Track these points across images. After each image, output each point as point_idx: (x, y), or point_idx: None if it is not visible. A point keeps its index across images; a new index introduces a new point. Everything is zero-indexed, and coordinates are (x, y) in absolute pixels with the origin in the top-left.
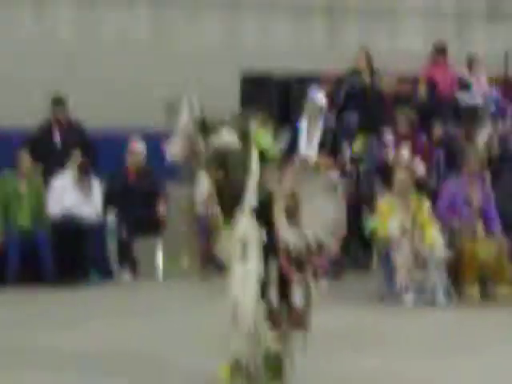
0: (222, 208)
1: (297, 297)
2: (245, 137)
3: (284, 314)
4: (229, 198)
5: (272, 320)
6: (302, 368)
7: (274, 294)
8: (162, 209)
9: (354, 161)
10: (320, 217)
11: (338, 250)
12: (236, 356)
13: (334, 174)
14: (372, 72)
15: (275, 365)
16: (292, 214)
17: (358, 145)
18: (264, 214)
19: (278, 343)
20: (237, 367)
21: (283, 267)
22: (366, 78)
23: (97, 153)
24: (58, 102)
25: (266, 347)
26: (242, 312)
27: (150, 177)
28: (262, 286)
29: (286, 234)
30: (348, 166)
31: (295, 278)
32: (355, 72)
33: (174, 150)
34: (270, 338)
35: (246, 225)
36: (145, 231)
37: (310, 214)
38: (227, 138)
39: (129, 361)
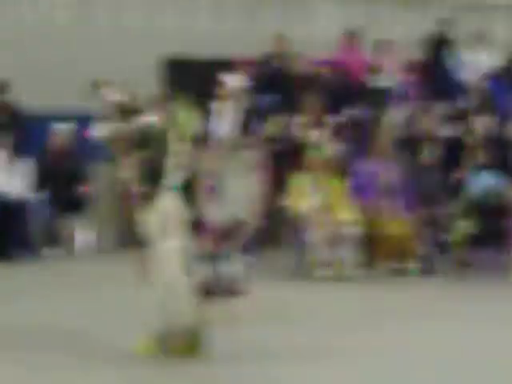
0: (145, 186)
1: (224, 268)
2: (167, 117)
3: (213, 286)
4: (151, 176)
5: (200, 293)
6: (225, 340)
7: (202, 267)
8: (83, 188)
9: (270, 141)
10: (239, 193)
11: (257, 224)
12: (156, 330)
13: (254, 154)
14: (286, 56)
15: (193, 338)
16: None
17: (272, 126)
18: (188, 192)
19: (199, 316)
20: (156, 340)
21: (210, 241)
22: (281, 62)
23: (28, 134)
24: (1, 87)
25: (186, 321)
26: (167, 287)
27: (72, 157)
28: (187, 261)
29: (209, 210)
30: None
31: (222, 250)
32: (270, 56)
33: (98, 130)
34: (191, 312)
35: (167, 202)
36: (67, 210)
37: (229, 191)
38: (149, 118)
39: (60, 337)
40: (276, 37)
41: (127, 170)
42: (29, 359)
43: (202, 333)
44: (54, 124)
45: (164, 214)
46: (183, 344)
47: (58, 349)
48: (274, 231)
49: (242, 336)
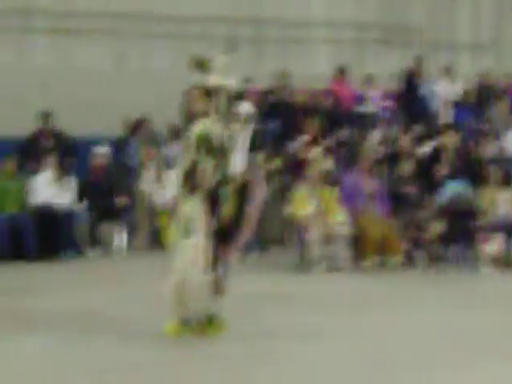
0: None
1: (220, 269)
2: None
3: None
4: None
5: (214, 286)
6: (233, 323)
7: (215, 265)
8: (121, 200)
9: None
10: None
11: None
12: (182, 315)
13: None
14: (287, 88)
15: (213, 320)
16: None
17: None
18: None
19: (215, 304)
20: (183, 324)
21: (220, 246)
22: (284, 94)
23: (75, 155)
24: (46, 116)
25: (207, 308)
26: (189, 280)
27: (109, 174)
28: (207, 259)
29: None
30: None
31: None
32: (273, 89)
33: None
34: (210, 301)
35: (195, 206)
36: (107, 217)
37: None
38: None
39: (102, 321)
40: (279, 73)
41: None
42: (75, 339)
43: (216, 316)
44: (94, 147)
45: (190, 214)
46: (203, 326)
47: (100, 331)
48: (280, 233)
49: (250, 319)
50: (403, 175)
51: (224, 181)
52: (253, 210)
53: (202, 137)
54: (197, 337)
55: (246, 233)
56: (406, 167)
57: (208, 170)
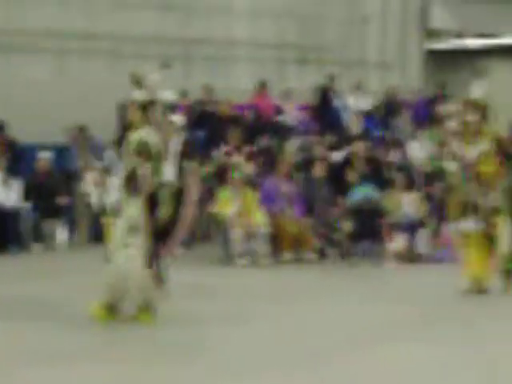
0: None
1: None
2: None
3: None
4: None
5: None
6: (164, 310)
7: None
8: (62, 200)
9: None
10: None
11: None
12: (110, 301)
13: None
14: (212, 102)
15: (148, 310)
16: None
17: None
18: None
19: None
20: (109, 309)
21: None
22: (209, 106)
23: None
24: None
25: (144, 298)
26: (128, 273)
27: (52, 177)
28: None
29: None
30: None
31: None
32: (201, 102)
33: None
34: (148, 292)
35: (137, 207)
36: (51, 215)
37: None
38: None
39: (46, 309)
40: (204, 87)
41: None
42: (23, 326)
43: (149, 303)
44: (39, 153)
45: (132, 216)
46: (133, 312)
47: (45, 318)
48: (206, 231)
49: (181, 307)
50: (316, 179)
51: (160, 185)
52: (188, 212)
53: (141, 144)
54: (127, 323)
55: (182, 231)
56: (319, 172)
57: (147, 174)
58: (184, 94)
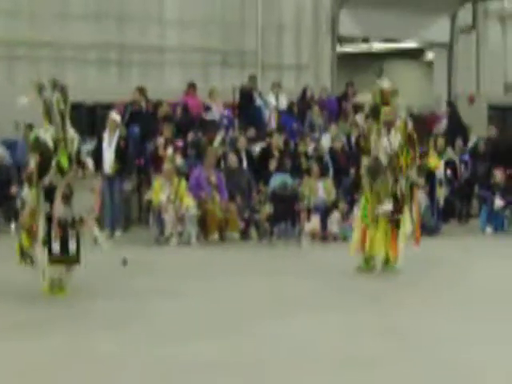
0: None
1: (70, 245)
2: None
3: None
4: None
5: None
6: (108, 285)
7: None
8: (13, 189)
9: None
10: (81, 202)
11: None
12: (49, 279)
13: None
14: (146, 100)
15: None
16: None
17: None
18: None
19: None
20: (50, 285)
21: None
22: (142, 105)
23: None
24: None
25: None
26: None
27: (6, 169)
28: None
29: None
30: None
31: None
32: (134, 101)
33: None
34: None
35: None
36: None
37: (76, 200)
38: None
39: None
40: (137, 89)
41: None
42: None
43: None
44: None
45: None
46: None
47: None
48: (143, 215)
49: (121, 282)
50: (234, 169)
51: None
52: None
53: (36, 141)
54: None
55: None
56: (234, 163)
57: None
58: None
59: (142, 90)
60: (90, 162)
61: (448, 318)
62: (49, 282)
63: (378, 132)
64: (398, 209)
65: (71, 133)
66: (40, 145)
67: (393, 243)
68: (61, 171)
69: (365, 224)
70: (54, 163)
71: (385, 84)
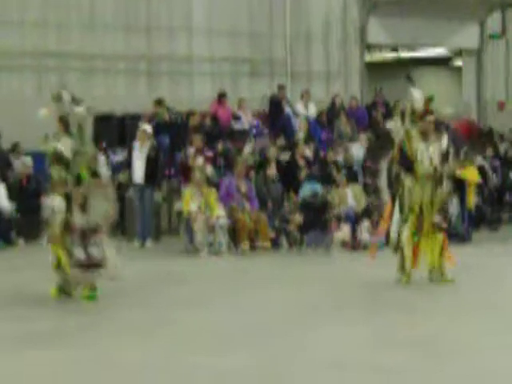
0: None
1: (94, 251)
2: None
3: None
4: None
5: (80, 266)
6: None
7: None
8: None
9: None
10: (97, 209)
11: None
12: (60, 284)
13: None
14: (168, 110)
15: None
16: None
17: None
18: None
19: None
20: (59, 289)
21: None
22: (165, 116)
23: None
24: None
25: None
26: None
27: (35, 181)
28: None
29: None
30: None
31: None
32: (156, 113)
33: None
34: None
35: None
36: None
37: (93, 208)
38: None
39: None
40: (154, 101)
41: None
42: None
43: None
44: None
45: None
46: (82, 293)
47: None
48: (173, 224)
49: (152, 291)
50: (270, 178)
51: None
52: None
53: (56, 153)
54: (74, 301)
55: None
56: (272, 172)
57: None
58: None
59: (160, 102)
60: (104, 172)
61: (480, 328)
62: (57, 286)
63: (417, 140)
64: (444, 218)
65: (89, 144)
66: (59, 157)
67: (447, 252)
68: (79, 182)
69: (415, 242)
70: (72, 174)
71: (416, 95)
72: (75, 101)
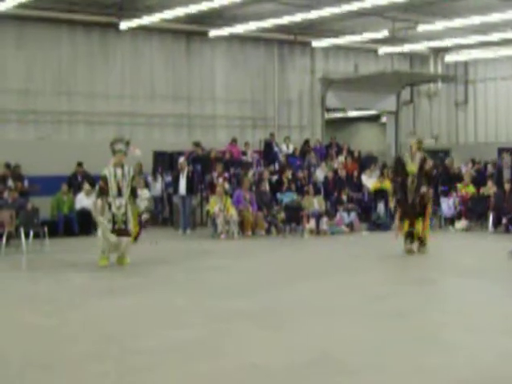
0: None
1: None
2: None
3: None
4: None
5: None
6: (181, 262)
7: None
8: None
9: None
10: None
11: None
12: (102, 250)
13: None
14: (202, 149)
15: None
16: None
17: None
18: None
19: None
20: (102, 254)
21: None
22: (199, 152)
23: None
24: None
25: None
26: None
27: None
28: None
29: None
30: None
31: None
32: (193, 151)
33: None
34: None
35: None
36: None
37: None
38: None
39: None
40: (193, 143)
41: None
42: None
43: (125, 255)
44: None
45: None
46: (119, 259)
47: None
48: (204, 220)
49: (189, 261)
50: (264, 191)
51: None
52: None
53: (103, 178)
54: (115, 264)
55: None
56: (265, 187)
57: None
58: (197, 144)
59: (197, 144)
60: (142, 190)
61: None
62: (100, 254)
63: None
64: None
65: (129, 169)
66: (104, 178)
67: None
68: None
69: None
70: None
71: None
72: (123, 142)
